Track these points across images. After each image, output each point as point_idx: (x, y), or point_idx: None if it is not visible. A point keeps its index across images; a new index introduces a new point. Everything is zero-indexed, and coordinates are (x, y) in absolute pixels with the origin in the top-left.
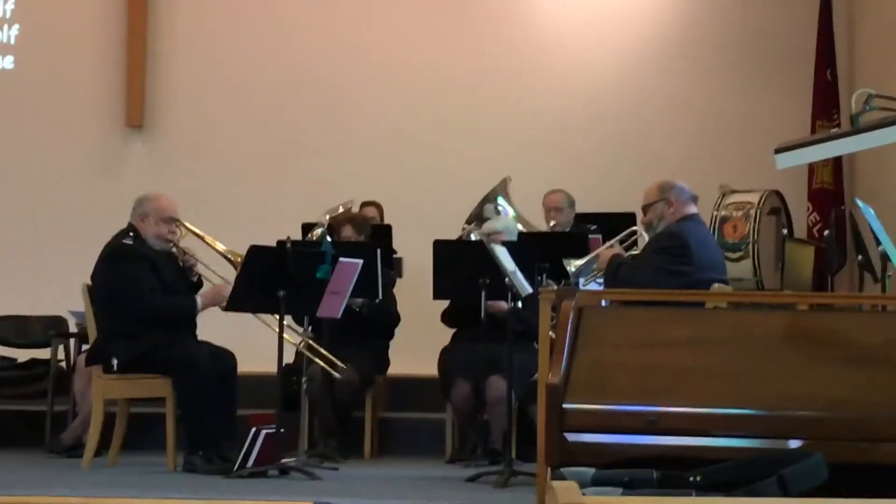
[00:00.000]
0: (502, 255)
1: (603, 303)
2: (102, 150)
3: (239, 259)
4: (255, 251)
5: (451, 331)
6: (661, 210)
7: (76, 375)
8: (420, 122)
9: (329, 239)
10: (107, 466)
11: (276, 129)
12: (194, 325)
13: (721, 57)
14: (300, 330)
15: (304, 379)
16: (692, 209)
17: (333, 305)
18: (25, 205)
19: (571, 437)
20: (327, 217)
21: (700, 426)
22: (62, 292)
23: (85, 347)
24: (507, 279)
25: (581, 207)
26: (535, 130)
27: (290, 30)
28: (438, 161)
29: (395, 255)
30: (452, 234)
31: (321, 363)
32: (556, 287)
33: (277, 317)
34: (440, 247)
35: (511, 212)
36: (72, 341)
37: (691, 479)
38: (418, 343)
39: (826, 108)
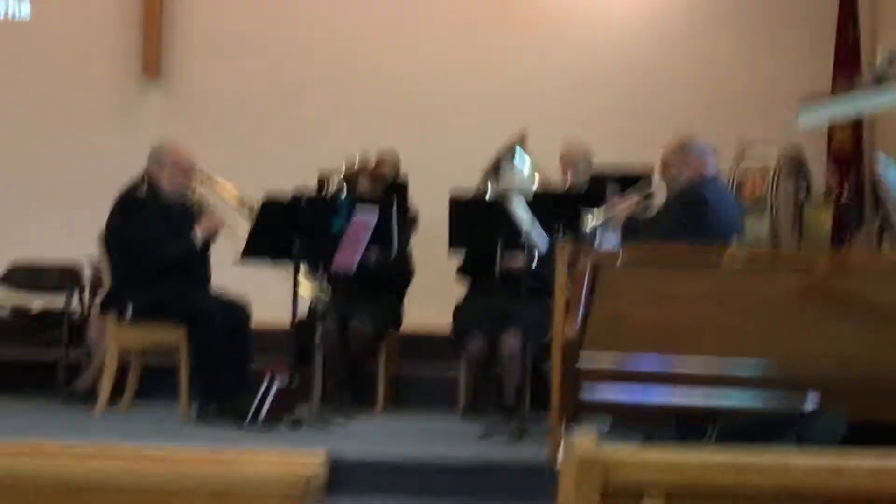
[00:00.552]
0: (519, 209)
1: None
2: (119, 100)
3: (254, 207)
4: (270, 202)
5: (465, 285)
6: (679, 168)
7: (90, 323)
8: (436, 75)
9: (345, 193)
10: (120, 414)
11: (292, 80)
12: (208, 276)
13: (742, 13)
14: (314, 282)
15: (317, 331)
16: (711, 166)
17: (348, 260)
18: (42, 154)
19: (586, 392)
20: (344, 169)
21: (715, 378)
22: (78, 242)
23: (99, 296)
24: (523, 233)
25: (599, 161)
26: (554, 84)
27: None
28: (455, 113)
29: (410, 210)
30: (469, 185)
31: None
32: (573, 242)
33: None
34: (456, 202)
35: (528, 165)
36: (86, 290)
37: (709, 432)
38: (432, 297)
39: (849, 67)
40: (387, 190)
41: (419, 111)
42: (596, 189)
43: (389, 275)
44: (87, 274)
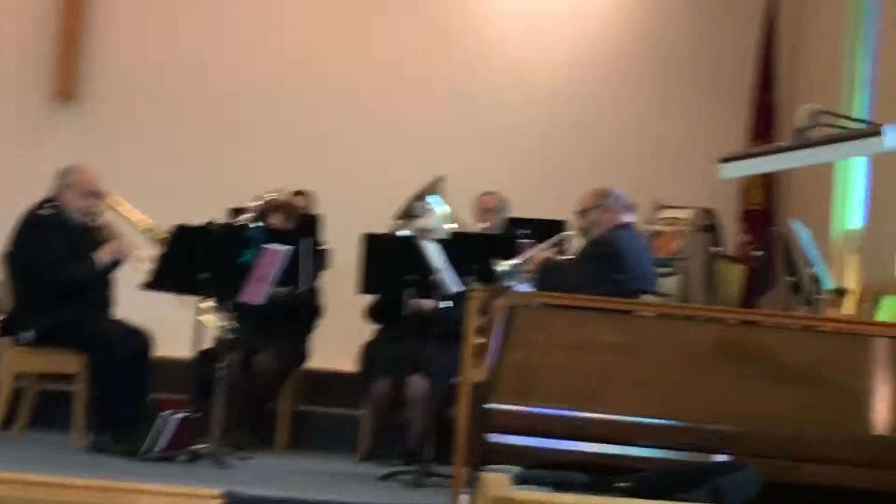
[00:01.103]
0: (432, 251)
1: None
2: (29, 122)
3: (162, 237)
4: (180, 230)
5: (374, 327)
6: (596, 216)
7: None
8: (358, 115)
9: (258, 224)
10: (12, 441)
11: (211, 110)
12: (111, 302)
13: (664, 71)
14: (219, 320)
15: (221, 364)
16: (628, 217)
17: (257, 291)
18: None
19: (493, 437)
20: (257, 202)
21: (625, 435)
22: None
23: None
24: (435, 276)
25: (515, 212)
26: (470, 134)
27: (234, 10)
28: (373, 155)
29: (322, 247)
30: (381, 229)
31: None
32: (486, 286)
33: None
34: (370, 240)
35: (443, 210)
36: None
37: (619, 484)
38: (339, 337)
39: (763, 130)
40: (300, 224)
41: (336, 151)
42: (511, 233)
43: (297, 309)
44: None
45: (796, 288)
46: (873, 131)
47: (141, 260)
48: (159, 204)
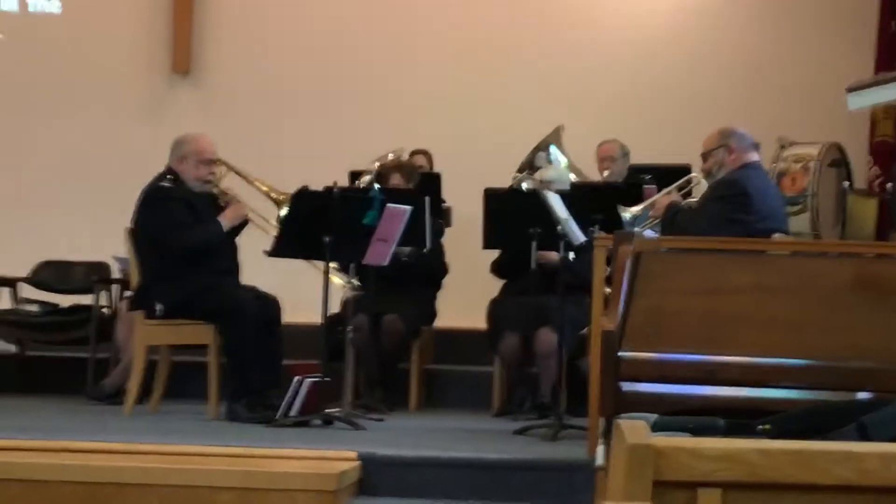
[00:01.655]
0: (555, 203)
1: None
2: (148, 96)
3: (282, 197)
4: (301, 195)
5: (500, 282)
6: (721, 157)
7: (119, 322)
8: (471, 71)
9: (377, 186)
10: (148, 414)
11: (324, 75)
12: (237, 269)
13: (782, 7)
14: (346, 278)
15: (349, 328)
16: (753, 157)
17: (380, 253)
18: (70, 151)
19: (626, 386)
20: (376, 164)
21: (761, 377)
22: (106, 238)
23: (128, 293)
24: (559, 228)
25: (636, 158)
26: (591, 81)
27: None
28: (489, 109)
29: (444, 205)
30: (503, 184)
31: None
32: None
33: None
34: (491, 196)
35: (564, 161)
36: (114, 287)
37: (760, 427)
38: (466, 294)
39: (890, 61)
40: (420, 184)
41: (453, 108)
42: (633, 183)
43: (422, 270)
44: (115, 271)
45: None
46: None
47: (264, 226)
48: (280, 171)
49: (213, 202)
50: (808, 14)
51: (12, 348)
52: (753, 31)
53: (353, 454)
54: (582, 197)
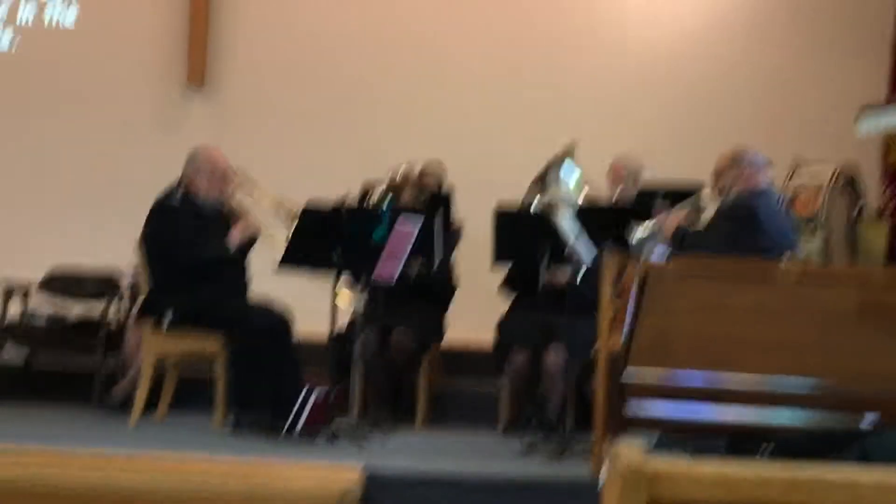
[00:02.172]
0: (566, 221)
1: None
2: (163, 108)
3: (294, 211)
4: (309, 211)
5: (509, 299)
6: (732, 178)
7: (128, 332)
8: (485, 86)
9: (388, 202)
10: (154, 424)
11: (337, 90)
12: (247, 283)
13: (797, 23)
14: (354, 292)
15: (356, 343)
16: (765, 177)
17: (390, 269)
18: (85, 161)
19: (633, 406)
20: (388, 180)
21: (766, 397)
22: (119, 249)
23: (138, 303)
24: (569, 246)
25: (649, 174)
26: (605, 97)
27: None
28: (502, 125)
29: (454, 223)
30: (515, 198)
31: None
32: (620, 254)
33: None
34: (501, 216)
35: (576, 177)
36: (125, 298)
37: (762, 449)
38: (476, 311)
39: None
40: (431, 200)
41: (466, 123)
42: (644, 203)
43: (431, 286)
44: (125, 281)
45: None
46: None
47: (273, 240)
48: (294, 184)
49: (223, 216)
50: (820, 36)
51: (21, 358)
52: (766, 51)
53: (357, 469)
54: (593, 215)
